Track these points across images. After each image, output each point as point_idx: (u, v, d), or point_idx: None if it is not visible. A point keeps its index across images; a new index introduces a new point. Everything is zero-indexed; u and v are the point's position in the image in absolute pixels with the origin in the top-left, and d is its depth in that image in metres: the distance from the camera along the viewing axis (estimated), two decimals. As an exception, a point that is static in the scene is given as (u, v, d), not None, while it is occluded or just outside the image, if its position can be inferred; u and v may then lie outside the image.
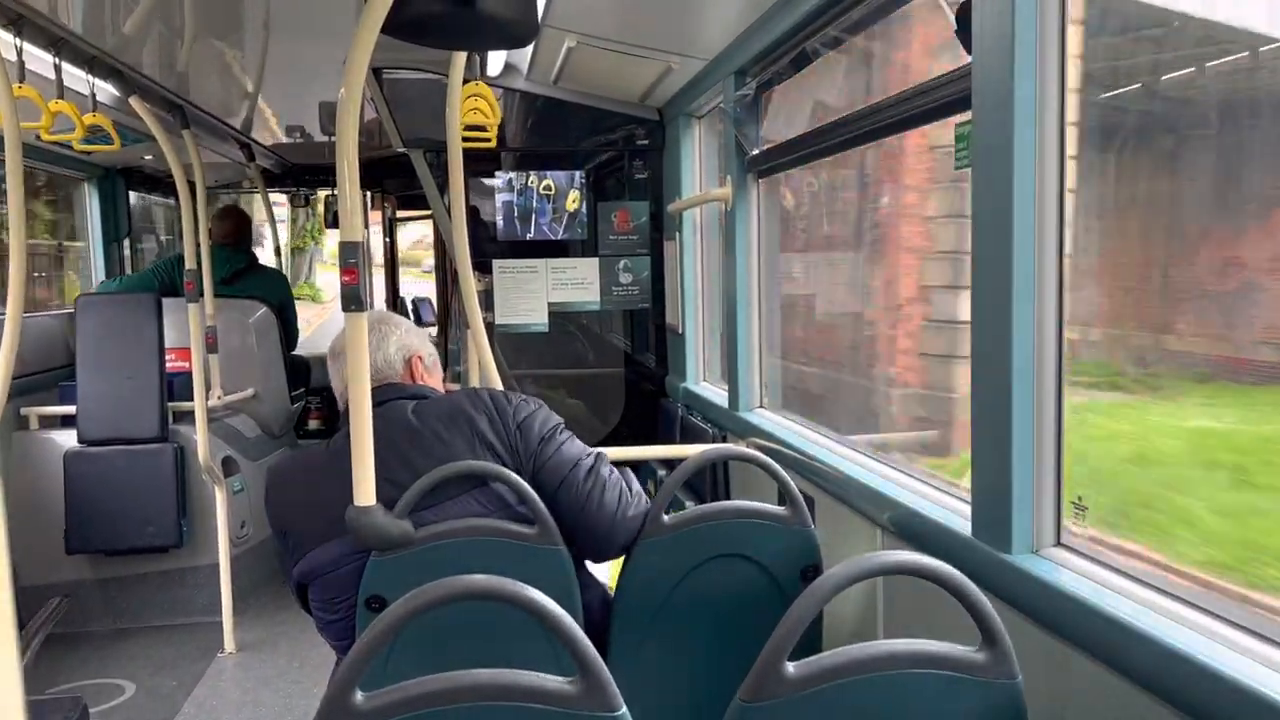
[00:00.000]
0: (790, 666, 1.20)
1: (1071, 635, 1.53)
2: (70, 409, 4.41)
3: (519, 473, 2.00)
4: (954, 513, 2.01)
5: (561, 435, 2.12)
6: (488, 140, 3.02)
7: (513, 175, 4.36)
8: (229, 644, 4.24)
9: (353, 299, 1.83)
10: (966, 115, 1.83)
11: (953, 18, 1.83)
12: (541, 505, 1.96)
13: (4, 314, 2.81)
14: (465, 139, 2.92)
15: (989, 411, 1.78)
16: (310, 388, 6.42)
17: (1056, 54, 1.66)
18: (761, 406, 3.43)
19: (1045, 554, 1.71)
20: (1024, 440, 1.71)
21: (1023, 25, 1.65)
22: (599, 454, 2.15)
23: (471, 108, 2.97)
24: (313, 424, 6.74)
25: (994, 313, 1.74)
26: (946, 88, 1.96)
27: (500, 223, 4.36)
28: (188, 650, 4.27)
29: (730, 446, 3.17)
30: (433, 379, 2.31)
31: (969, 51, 1.79)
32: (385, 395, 2.14)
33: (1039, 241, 1.67)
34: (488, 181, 4.38)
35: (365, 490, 1.84)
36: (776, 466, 2.24)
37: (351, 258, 1.83)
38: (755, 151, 3.22)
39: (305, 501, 2.08)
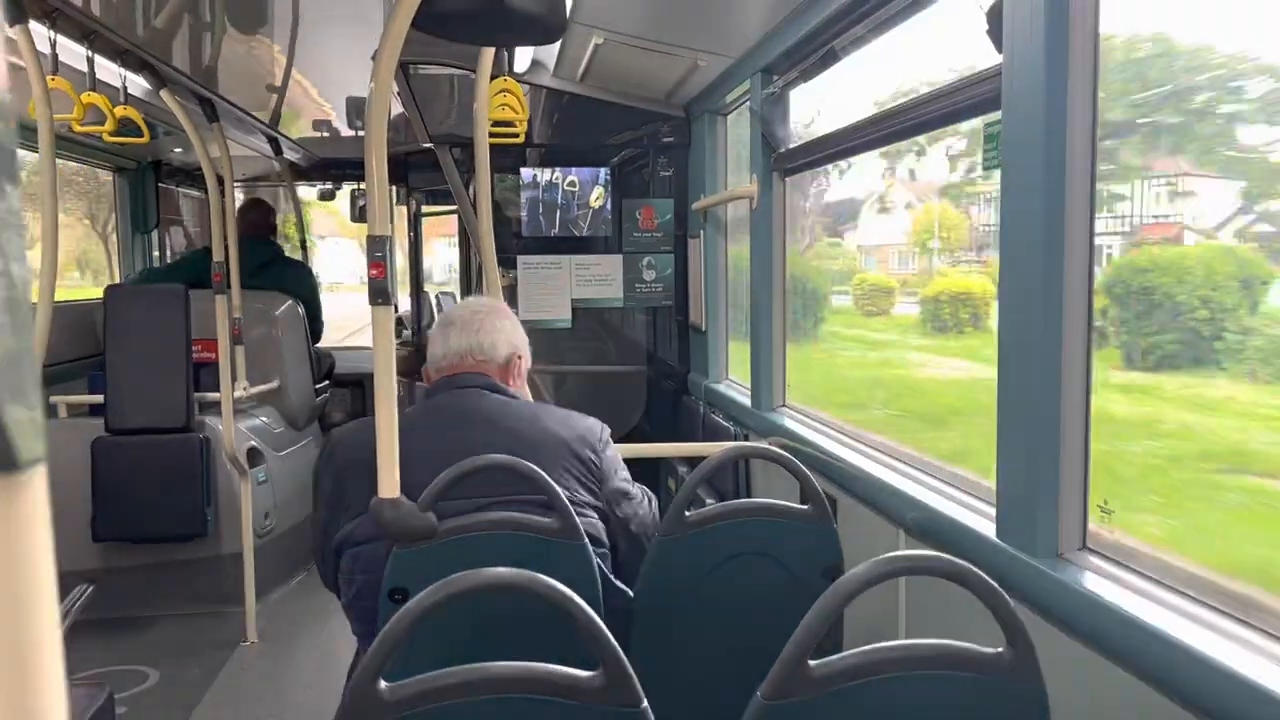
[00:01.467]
0: (812, 665, 1.20)
1: (1097, 640, 1.52)
2: (98, 398, 4.46)
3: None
4: (978, 514, 2.00)
5: (632, 490, 2.24)
6: (515, 136, 3.03)
7: (538, 171, 4.37)
8: (251, 633, 4.27)
9: (379, 293, 1.84)
10: (996, 115, 1.82)
11: (984, 17, 1.82)
12: (565, 501, 1.97)
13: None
14: (493, 135, 2.93)
15: (1014, 413, 1.77)
16: (335, 380, 6.46)
17: (1088, 54, 1.64)
18: (784, 405, 3.42)
19: (1070, 558, 1.69)
20: (1049, 443, 1.70)
21: (1053, 26, 1.63)
22: (647, 498, 2.30)
23: (500, 103, 2.98)
24: (337, 416, 6.78)
25: (1021, 314, 1.73)
26: (976, 87, 1.95)
27: (525, 219, 4.38)
28: (210, 639, 4.31)
29: (752, 445, 3.17)
30: (522, 384, 2.32)
31: (999, 51, 1.78)
32: (472, 381, 2.18)
33: (1067, 243, 1.66)
34: (513, 177, 4.39)
35: (389, 482, 1.85)
36: (799, 465, 2.24)
37: (379, 252, 1.84)
38: (782, 150, 3.21)
39: (371, 465, 2.05)
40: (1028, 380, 1.71)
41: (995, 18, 1.78)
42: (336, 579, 2.15)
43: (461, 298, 6.44)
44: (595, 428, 2.24)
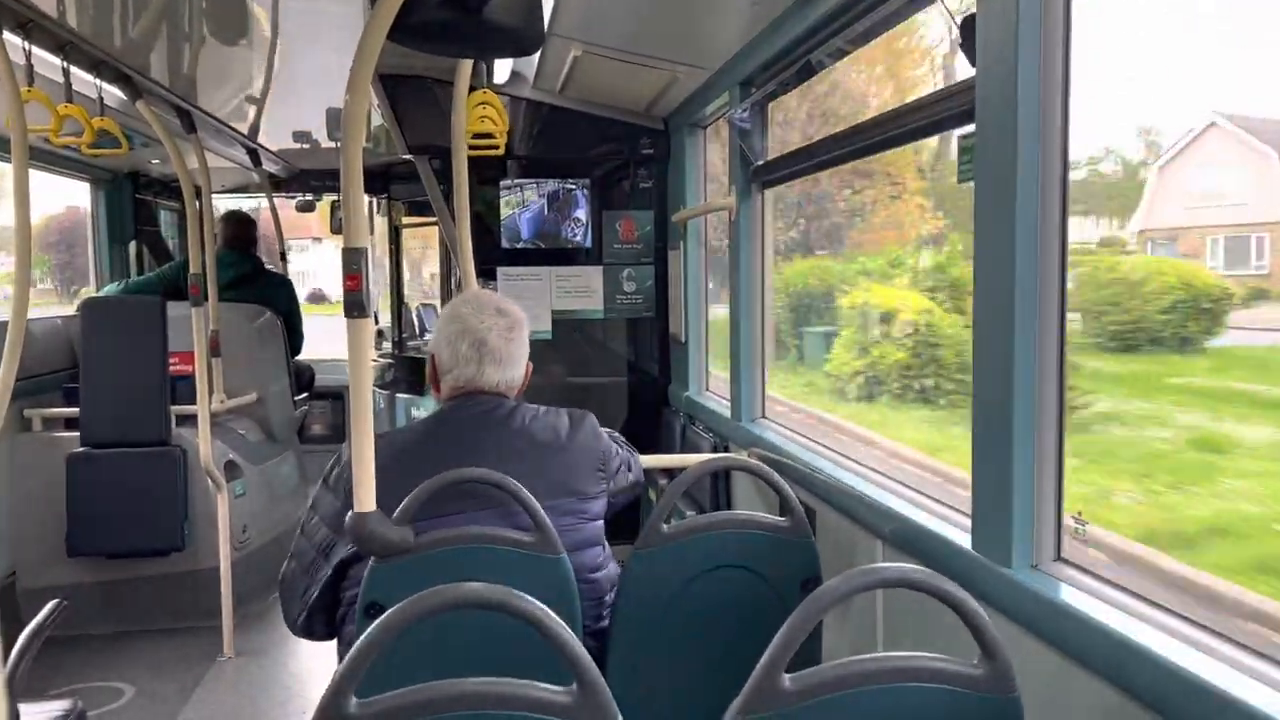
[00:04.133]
0: (787, 679, 1.20)
1: (1071, 651, 1.52)
2: (73, 411, 4.41)
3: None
4: (955, 526, 2.00)
5: (622, 456, 2.36)
6: (496, 148, 3.02)
7: (518, 182, 4.37)
8: (228, 648, 4.23)
9: (355, 305, 1.83)
10: (970, 128, 1.83)
11: (957, 30, 1.83)
12: (543, 514, 1.96)
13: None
14: (473, 146, 2.93)
15: (990, 425, 1.78)
16: (314, 393, 6.43)
17: (1060, 67, 1.66)
18: (764, 417, 3.42)
19: (1045, 569, 1.70)
20: (1024, 455, 1.70)
21: (1026, 38, 1.65)
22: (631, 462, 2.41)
23: (480, 115, 2.97)
24: (316, 429, 6.74)
25: (996, 326, 1.74)
26: (950, 100, 1.96)
27: (505, 230, 4.37)
28: (187, 654, 4.26)
29: (731, 456, 3.17)
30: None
31: (973, 64, 1.79)
32: (495, 404, 2.19)
33: (1041, 256, 1.67)
34: (493, 189, 4.39)
35: (365, 496, 1.84)
36: (777, 477, 2.24)
37: (355, 264, 1.83)
38: (760, 162, 3.22)
39: (385, 480, 1.97)
40: (1003, 393, 1.72)
41: (969, 30, 1.79)
42: (309, 618, 2.13)
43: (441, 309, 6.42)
44: (594, 423, 2.30)
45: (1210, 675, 1.27)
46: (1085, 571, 1.65)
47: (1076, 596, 1.58)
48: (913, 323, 5.50)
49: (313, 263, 18.98)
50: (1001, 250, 1.71)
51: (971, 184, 1.82)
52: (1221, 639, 1.37)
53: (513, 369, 2.22)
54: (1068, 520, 1.71)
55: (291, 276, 6.54)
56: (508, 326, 2.21)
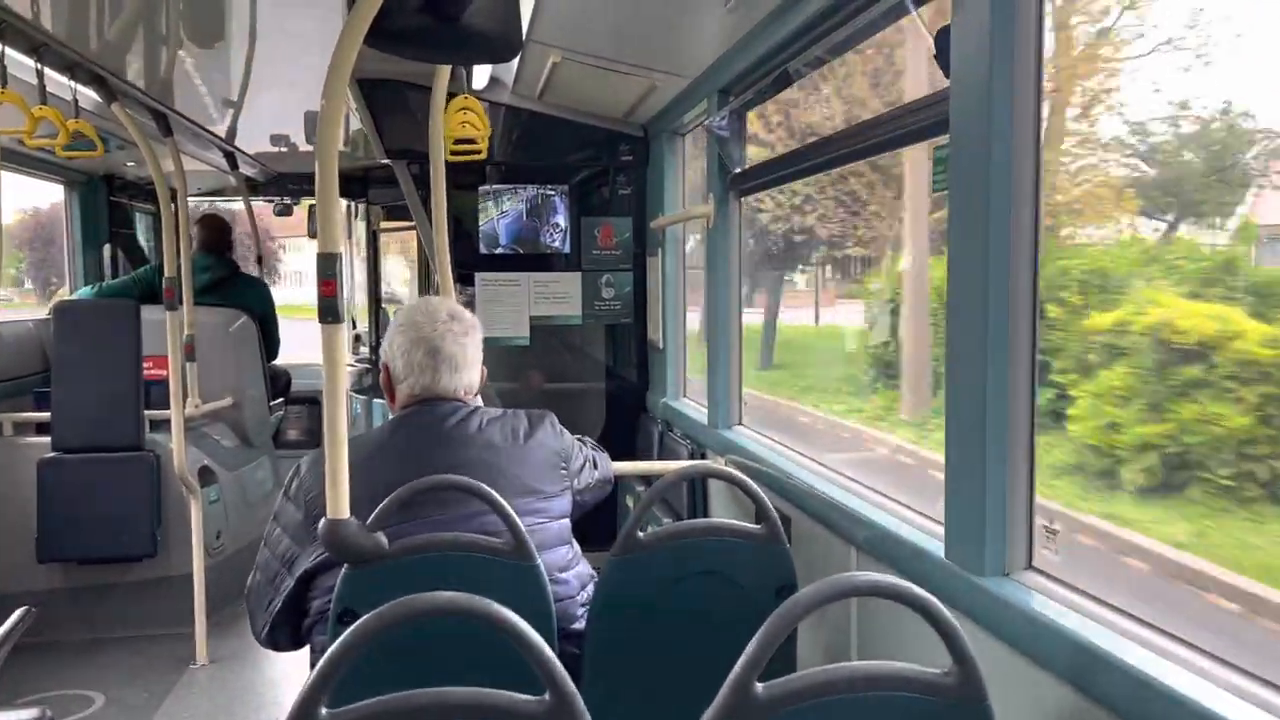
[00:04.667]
0: (760, 688, 1.20)
1: (1041, 658, 1.53)
2: (45, 416, 4.37)
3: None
4: (928, 534, 2.01)
5: (587, 455, 2.39)
6: (478, 153, 3.02)
7: (497, 188, 4.37)
8: (201, 655, 4.19)
9: (329, 311, 1.82)
10: (945, 139, 1.85)
11: (932, 42, 1.84)
12: (518, 521, 1.96)
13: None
14: (455, 152, 2.93)
15: (963, 434, 1.79)
16: (290, 398, 6.38)
17: (1033, 79, 1.67)
18: (740, 424, 3.43)
19: (1017, 577, 1.71)
20: (997, 464, 1.71)
21: (999, 50, 1.66)
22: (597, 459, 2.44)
23: (462, 121, 2.97)
24: (292, 434, 6.69)
25: (969, 336, 1.75)
26: (925, 111, 1.97)
27: (483, 235, 4.37)
28: (159, 661, 4.22)
29: (707, 464, 3.18)
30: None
31: (947, 75, 1.81)
32: (453, 409, 2.18)
33: (1014, 266, 1.68)
34: (472, 194, 4.38)
35: (338, 503, 1.83)
36: (752, 484, 2.24)
37: (329, 269, 1.82)
38: (737, 170, 3.23)
39: (357, 485, 1.93)
40: (976, 404, 1.73)
41: (944, 42, 1.81)
42: (273, 630, 2.12)
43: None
44: (554, 421, 2.30)
45: (1174, 681, 1.29)
46: (1056, 580, 1.66)
47: (1047, 605, 1.59)
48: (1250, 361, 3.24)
49: (308, 262, 18.93)
50: (974, 260, 1.72)
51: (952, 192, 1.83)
52: (1186, 646, 1.38)
53: (468, 373, 2.22)
54: (1039, 529, 1.72)
55: (289, 277, 6.51)
56: (461, 331, 2.22)
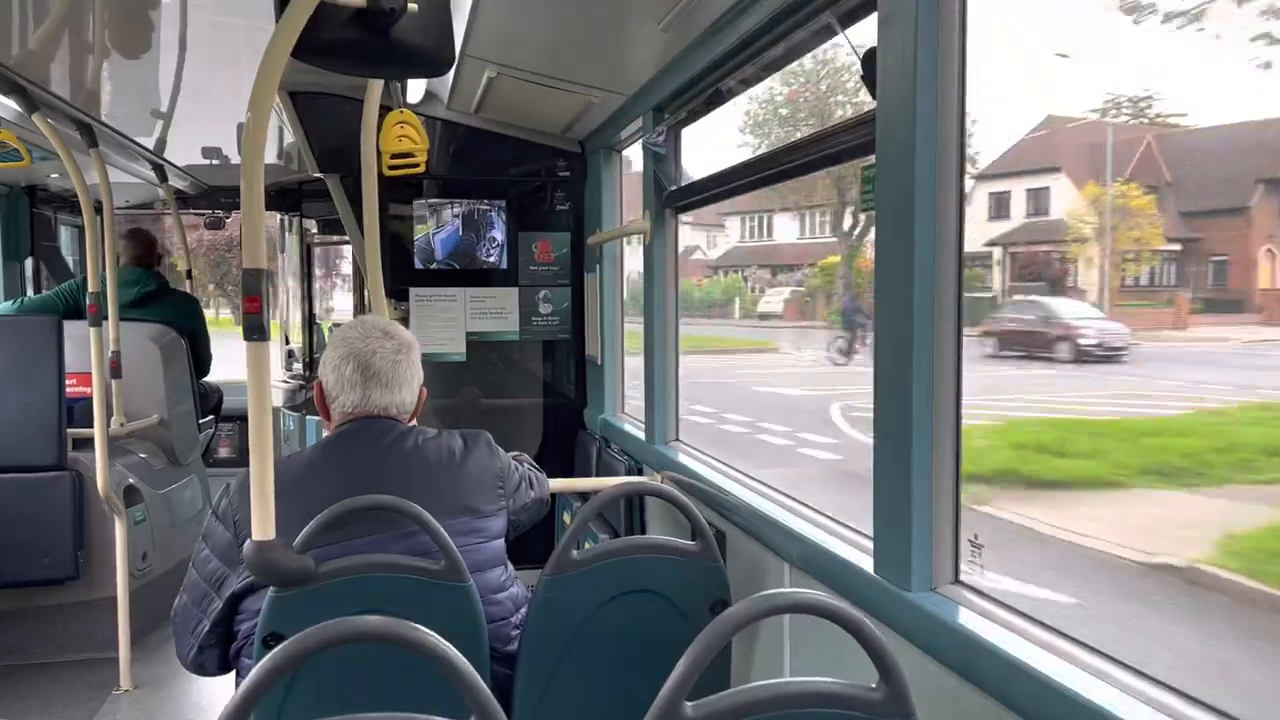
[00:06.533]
0: (689, 706, 1.19)
1: (966, 671, 1.55)
2: None
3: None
4: (859, 550, 2.03)
5: (522, 473, 2.34)
6: (416, 166, 2.99)
7: (433, 203, 4.34)
8: (125, 681, 4.07)
9: (255, 328, 1.79)
10: (872, 159, 1.88)
11: (859, 63, 1.87)
12: (449, 541, 1.94)
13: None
14: (393, 166, 2.90)
15: (890, 450, 1.81)
16: (222, 415, 6.25)
17: (956, 100, 1.70)
18: (678, 439, 3.43)
19: (943, 591, 1.73)
20: (922, 480, 1.74)
21: (924, 72, 1.69)
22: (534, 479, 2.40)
23: (399, 135, 2.94)
24: (223, 452, 6.55)
25: (895, 353, 1.78)
26: (854, 131, 2.00)
27: (419, 250, 4.33)
28: (81, 688, 4.09)
29: (643, 481, 3.18)
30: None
31: (874, 97, 1.83)
32: (388, 427, 2.14)
33: (938, 283, 1.71)
34: (407, 209, 4.34)
35: (264, 525, 1.79)
36: (686, 501, 2.24)
37: (254, 286, 1.79)
38: (673, 187, 3.24)
39: (287, 506, 1.90)
40: (902, 418, 1.75)
41: (870, 64, 1.83)
42: (200, 653, 2.08)
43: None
44: (490, 441, 2.28)
45: (1091, 694, 1.32)
46: (981, 594, 1.68)
47: (972, 619, 1.61)
48: None
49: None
50: (900, 278, 1.75)
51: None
52: (1103, 658, 1.41)
53: (401, 391, 2.17)
54: (965, 544, 1.75)
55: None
56: (395, 349, 2.18)
